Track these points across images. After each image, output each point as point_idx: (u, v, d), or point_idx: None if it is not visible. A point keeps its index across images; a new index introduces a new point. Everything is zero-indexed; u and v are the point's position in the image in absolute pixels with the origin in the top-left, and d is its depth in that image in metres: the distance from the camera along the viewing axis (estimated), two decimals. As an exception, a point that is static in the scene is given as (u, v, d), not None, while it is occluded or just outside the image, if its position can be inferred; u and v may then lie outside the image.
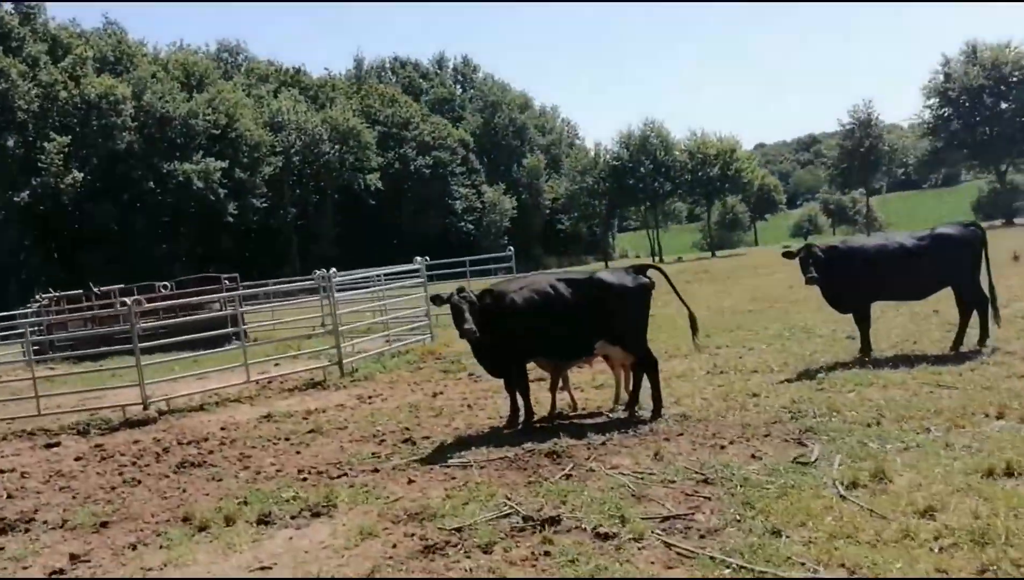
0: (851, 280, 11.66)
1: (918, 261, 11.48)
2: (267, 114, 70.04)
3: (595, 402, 11.18)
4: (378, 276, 20.51)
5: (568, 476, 7.83)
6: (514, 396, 10.48)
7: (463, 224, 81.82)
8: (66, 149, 53.38)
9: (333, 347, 16.37)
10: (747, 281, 30.61)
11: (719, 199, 73.69)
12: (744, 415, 9.42)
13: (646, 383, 10.12)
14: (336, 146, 72.70)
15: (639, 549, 5.98)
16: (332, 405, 13.38)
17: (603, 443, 8.87)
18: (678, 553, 5.86)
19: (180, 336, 17.23)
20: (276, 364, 17.82)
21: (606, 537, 6.22)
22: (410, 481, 8.31)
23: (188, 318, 21.39)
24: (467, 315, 9.64)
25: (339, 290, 17.01)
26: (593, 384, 12.32)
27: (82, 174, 53.37)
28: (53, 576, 6.88)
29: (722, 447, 8.24)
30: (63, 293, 29.82)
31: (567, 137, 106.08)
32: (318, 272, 17.57)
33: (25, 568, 7.14)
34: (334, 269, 16.71)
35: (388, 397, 13.55)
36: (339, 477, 8.83)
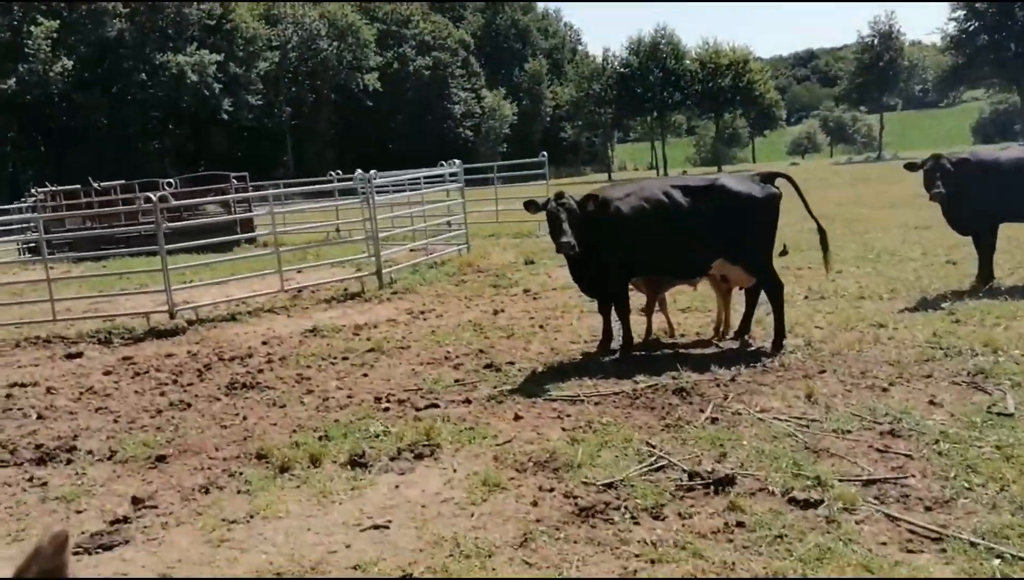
0: (983, 196, 10.39)
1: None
2: (263, 6, 66.80)
3: (687, 328, 10.00)
4: (417, 180, 19.01)
5: (713, 420, 6.68)
6: (608, 318, 9.28)
7: (461, 129, 79.51)
8: (54, 35, 50.54)
9: (371, 256, 15.05)
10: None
11: (730, 112, 71.56)
12: (883, 350, 8.25)
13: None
14: (334, 43, 69.82)
15: (856, 523, 4.85)
16: (383, 320, 12.15)
17: (733, 379, 7.70)
18: (912, 531, 4.73)
19: (198, 239, 15.81)
20: (300, 271, 16.48)
21: (806, 505, 5.08)
22: (517, 417, 7.14)
23: (206, 219, 20.03)
24: (565, 225, 8.36)
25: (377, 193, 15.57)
26: (676, 306, 11.13)
27: (71, 62, 50.66)
28: (116, 525, 5.72)
29: (884, 389, 7.08)
30: (59, 188, 28.16)
31: (570, 42, 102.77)
32: (359, 173, 16.06)
33: (79, 512, 5.98)
34: (374, 171, 15.23)
35: (442, 313, 12.32)
36: (427, 407, 7.66)
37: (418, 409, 7.65)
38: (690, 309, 11.04)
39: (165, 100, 57.80)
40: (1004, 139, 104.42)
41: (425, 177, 18.99)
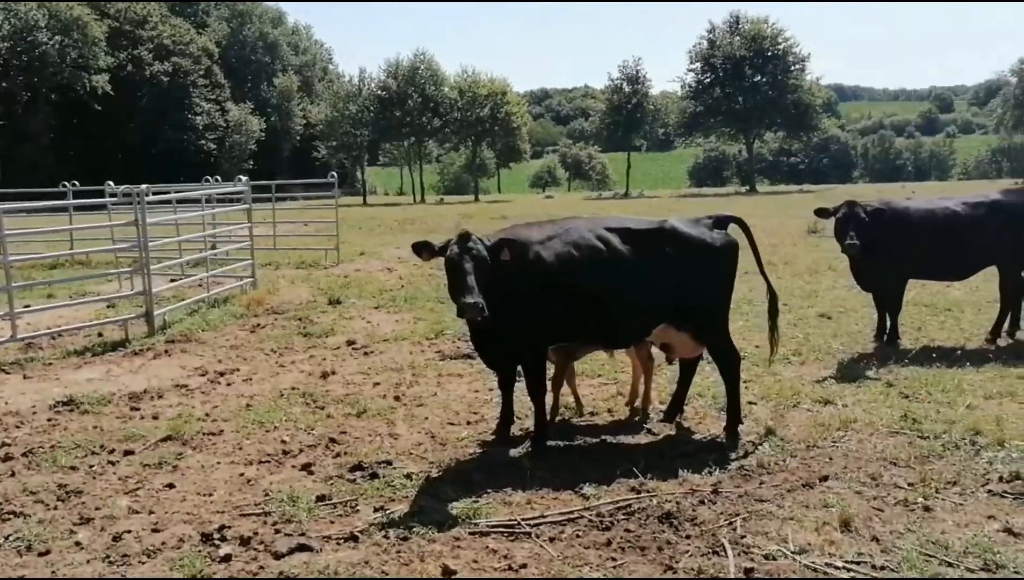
0: (897, 250, 9.29)
1: (972, 231, 9.33)
2: (-35, -14, 57.72)
3: (585, 400, 7.97)
4: (206, 198, 15.55)
5: (747, 572, 4.62)
6: (510, 395, 7.04)
7: (204, 142, 73.36)
8: None
9: (140, 293, 11.71)
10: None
11: (488, 142, 71.37)
12: (864, 441, 6.62)
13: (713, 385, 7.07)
14: (56, 37, 61.69)
15: None
16: (168, 385, 9.04)
17: (716, 491, 5.70)
18: None
19: None
20: (28, 306, 12.65)
21: None
22: (446, 571, 4.69)
23: None
24: (472, 280, 6.01)
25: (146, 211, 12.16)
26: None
27: None
28: None
29: (925, 508, 5.39)
30: None
31: (322, 60, 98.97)
32: (110, 185, 12.57)
33: None
34: (145, 185, 11.90)
35: (250, 376, 9.41)
36: (293, 552, 5.00)
37: (278, 555, 4.97)
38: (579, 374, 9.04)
39: None
40: (716, 183, 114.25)
41: (200, 194, 15.61)
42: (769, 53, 65.77)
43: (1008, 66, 71.22)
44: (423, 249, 6.53)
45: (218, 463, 6.60)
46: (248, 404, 8.22)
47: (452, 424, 7.45)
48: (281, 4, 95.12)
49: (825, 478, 5.87)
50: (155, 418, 7.86)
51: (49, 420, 7.94)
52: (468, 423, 7.46)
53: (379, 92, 67.38)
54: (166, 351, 10.64)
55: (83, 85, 63.46)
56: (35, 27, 60.66)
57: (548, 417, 7.01)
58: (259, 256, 19.79)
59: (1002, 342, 9.73)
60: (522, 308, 6.40)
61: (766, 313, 7.47)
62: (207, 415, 7.89)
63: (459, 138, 71.75)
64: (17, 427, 7.74)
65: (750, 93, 65.89)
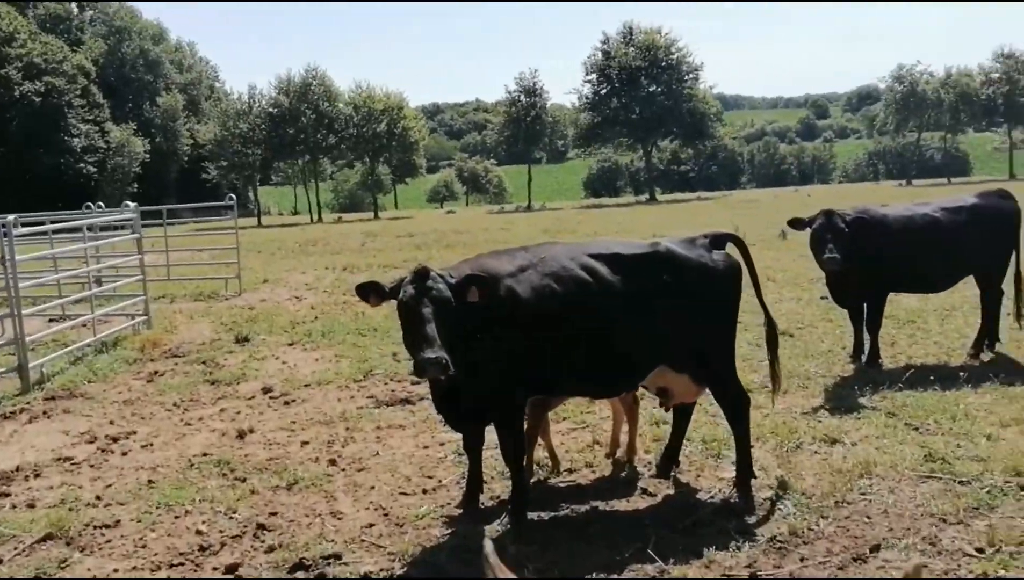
0: (878, 261, 8.50)
1: (954, 239, 8.64)
2: None
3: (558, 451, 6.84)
4: (88, 228, 13.71)
5: None
6: (479, 458, 5.88)
7: (83, 165, 69.14)
8: None
9: (10, 342, 10.00)
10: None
11: (385, 157, 69.54)
12: (897, 493, 5.69)
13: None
14: (-89, 55, 57.13)
15: None
16: (47, 457, 7.47)
17: (753, 574, 4.65)
18: None
19: None
20: None
21: None
22: None
23: None
24: (431, 330, 4.79)
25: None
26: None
27: None
28: None
29: (1012, 584, 4.48)
30: None
31: (207, 78, 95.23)
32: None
33: None
34: (14, 216, 10.18)
35: (150, 440, 7.90)
36: None
37: None
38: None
39: None
40: (610, 193, 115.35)
41: (74, 223, 13.81)
42: (663, 63, 66.37)
43: (888, 71, 73.99)
44: (370, 292, 5.31)
45: (115, 571, 5.19)
46: (150, 480, 6.77)
47: (405, 494, 6.21)
48: (163, 19, 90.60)
49: (876, 548, 4.89)
50: (31, 506, 6.35)
51: None
52: (424, 492, 6.24)
53: (270, 109, 64.85)
54: (44, 412, 8.99)
55: (-55, 107, 58.89)
56: None
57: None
58: (152, 288, 18.02)
59: (985, 357, 9.08)
60: (496, 358, 5.24)
61: (762, 343, 6.53)
62: (98, 499, 6.43)
63: (355, 155, 69.79)
64: None
65: (646, 103, 66.24)
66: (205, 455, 7.32)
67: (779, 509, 5.51)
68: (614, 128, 68.48)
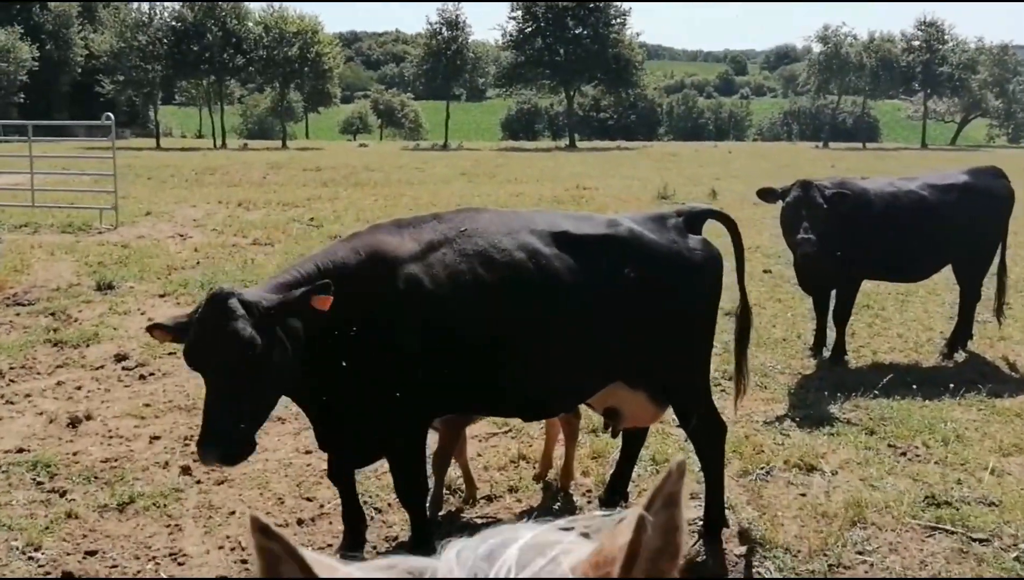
0: (855, 243, 7.32)
1: (942, 222, 7.52)
2: None
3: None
4: None
5: None
6: (353, 492, 4.44)
7: (-40, 70, 63.71)
8: None
9: None
10: (415, 192, 25.32)
11: (296, 83, 66.01)
12: (889, 543, 4.58)
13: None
14: None
15: None
16: None
17: None
18: None
19: None
20: None
21: None
22: None
23: None
24: (214, 403, 3.52)
25: None
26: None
27: None
28: None
29: None
30: None
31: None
32: None
33: None
34: None
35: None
36: None
37: None
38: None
39: None
40: (528, 136, 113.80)
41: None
42: (591, 4, 64.47)
43: (813, 32, 73.85)
44: (155, 329, 3.70)
45: None
46: (-62, 486, 5.15)
47: (276, 522, 4.76)
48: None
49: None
50: None
51: None
52: (300, 523, 4.82)
53: (173, 23, 60.57)
54: None
55: None
56: None
57: (430, 515, 4.52)
58: (14, 214, 15.91)
59: (959, 357, 8.07)
60: (389, 372, 3.83)
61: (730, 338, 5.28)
62: None
63: (264, 79, 66.11)
64: None
65: (572, 45, 64.38)
66: (20, 452, 5.71)
67: (758, 573, 4.29)
68: (537, 69, 66.44)
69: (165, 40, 59.53)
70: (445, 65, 66.82)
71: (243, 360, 3.37)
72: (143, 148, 49.93)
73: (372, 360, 3.79)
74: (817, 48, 74.46)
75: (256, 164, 35.18)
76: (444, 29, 67.53)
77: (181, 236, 14.79)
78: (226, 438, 3.40)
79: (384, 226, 4.27)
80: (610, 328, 4.16)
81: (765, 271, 11.83)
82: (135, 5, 66.00)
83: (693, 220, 4.54)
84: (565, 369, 4.18)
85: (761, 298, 10.26)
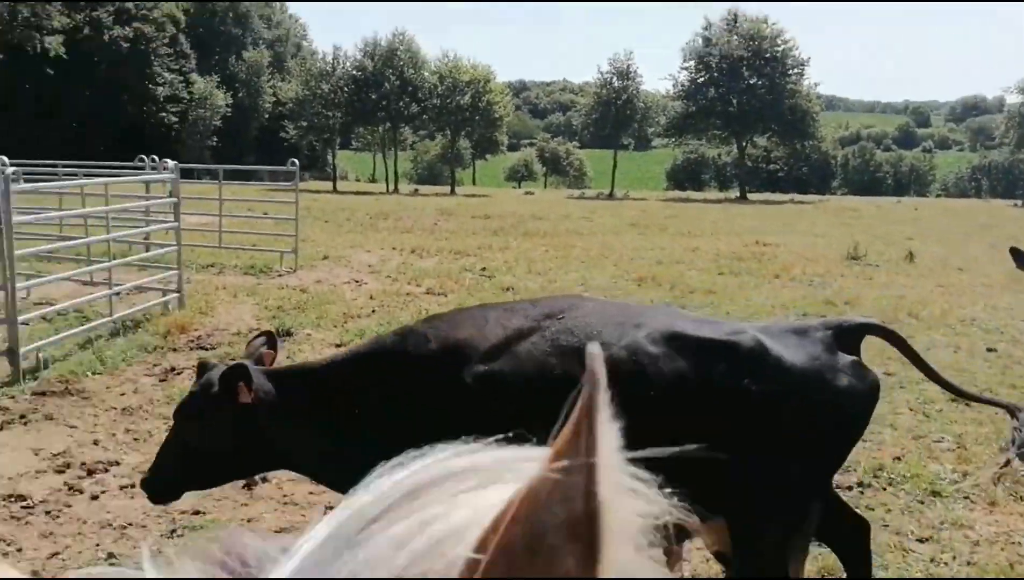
0: None
1: None
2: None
3: None
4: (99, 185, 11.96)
5: None
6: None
7: (165, 115, 69.06)
8: None
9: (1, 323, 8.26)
10: (592, 241, 24.94)
11: (467, 131, 67.67)
12: None
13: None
14: (6, -8, 57.26)
15: None
16: (43, 488, 5.65)
17: None
18: None
19: None
20: None
21: None
22: None
23: None
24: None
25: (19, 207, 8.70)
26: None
27: None
28: None
29: None
30: None
31: (295, 36, 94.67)
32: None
33: None
34: (13, 168, 8.43)
35: (131, 474, 6.02)
36: None
37: None
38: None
39: None
40: (694, 186, 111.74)
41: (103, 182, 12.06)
42: (768, 55, 62.78)
43: (1013, 83, 68.71)
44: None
45: None
46: (111, 555, 4.87)
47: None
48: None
49: None
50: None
51: None
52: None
53: (354, 72, 63.50)
54: (22, 416, 7.18)
55: (34, 46, 58.92)
56: (-16, -20, 56.26)
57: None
58: (202, 254, 16.43)
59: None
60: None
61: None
62: (37, 574, 4.55)
63: (436, 126, 68.08)
64: None
65: (746, 95, 62.84)
66: (196, 514, 5.41)
67: None
68: (708, 119, 65.15)
69: (346, 88, 62.41)
70: (615, 114, 66.73)
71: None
72: (320, 191, 52.09)
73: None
74: (1016, 99, 69.42)
75: (426, 209, 35.79)
76: (615, 79, 67.57)
77: (357, 282, 14.80)
78: (149, 483, 3.72)
79: (469, 310, 3.90)
80: (721, 459, 3.34)
81: (989, 350, 10.43)
82: (320, 55, 69.90)
83: (846, 335, 3.61)
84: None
85: (991, 384, 8.95)
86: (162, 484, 3.68)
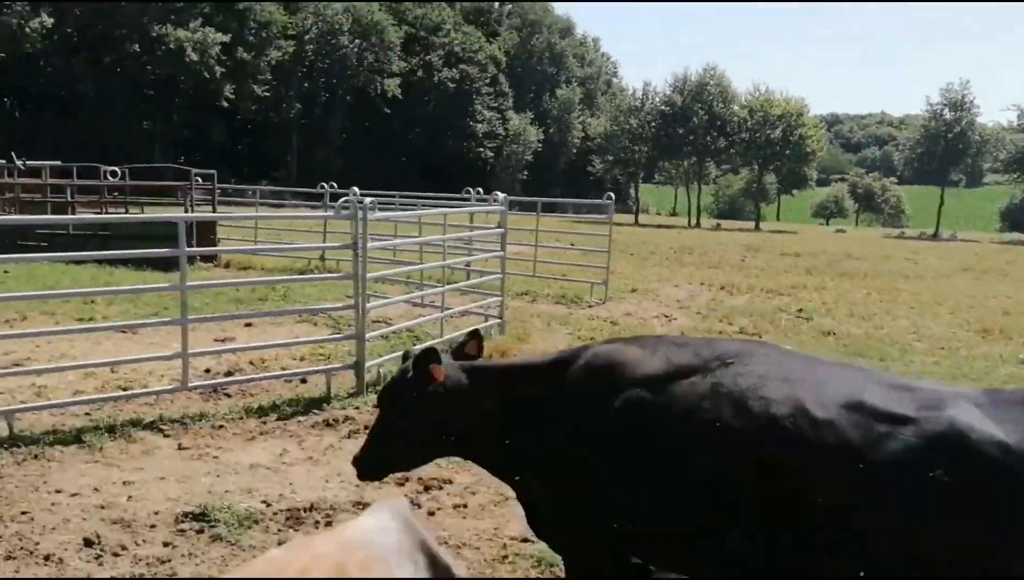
0: None
1: None
2: (283, -9, 61.19)
3: None
4: (440, 214, 12.91)
5: None
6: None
7: (482, 150, 73.78)
8: (34, -13, 44.38)
9: (350, 335, 9.06)
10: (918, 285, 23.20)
11: (775, 165, 65.60)
12: None
13: None
14: (356, 40, 64.25)
15: None
16: (348, 495, 6.12)
17: None
18: None
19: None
20: (249, 325, 10.51)
21: None
22: None
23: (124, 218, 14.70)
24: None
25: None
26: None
27: (52, 20, 44.49)
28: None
29: None
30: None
31: (606, 73, 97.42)
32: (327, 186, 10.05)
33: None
34: (371, 198, 9.26)
35: (468, 491, 6.30)
36: None
37: None
38: None
39: (160, 78, 51.90)
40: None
41: (444, 208, 12.94)
42: None
43: None
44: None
45: None
46: None
47: None
48: (572, 13, 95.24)
49: None
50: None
51: (165, 545, 5.27)
52: None
53: (662, 107, 63.98)
54: (366, 427, 7.80)
55: (375, 88, 65.53)
56: (339, 31, 63.46)
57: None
58: (517, 283, 17.12)
59: None
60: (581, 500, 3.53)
61: None
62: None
63: (743, 160, 66.67)
64: (116, 554, 5.11)
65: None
66: (525, 541, 5.49)
67: None
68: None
69: (653, 123, 62.98)
70: (944, 148, 61.43)
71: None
72: (623, 224, 52.81)
73: (568, 477, 3.48)
74: None
75: (730, 245, 34.99)
76: (946, 110, 62.25)
77: (666, 317, 14.66)
78: (358, 461, 3.90)
79: (646, 338, 3.81)
80: (875, 547, 2.83)
81: None
82: (630, 91, 71.24)
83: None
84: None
85: None
86: (368, 463, 3.86)
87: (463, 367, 3.78)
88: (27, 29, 42.72)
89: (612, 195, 17.00)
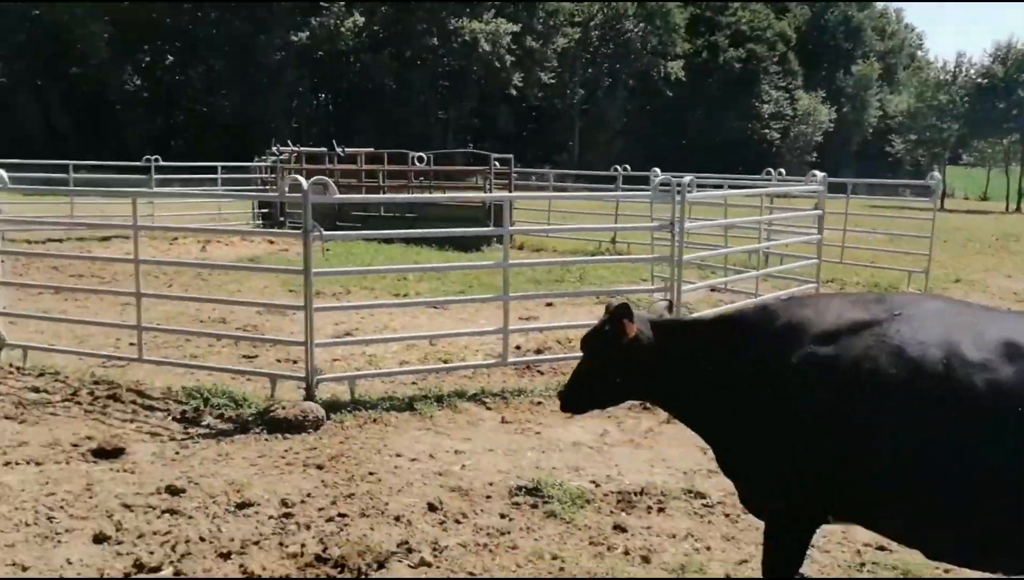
0: None
1: None
2: (571, -22, 62.11)
3: None
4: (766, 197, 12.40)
5: None
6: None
7: (767, 131, 70.68)
8: (349, -11, 48.49)
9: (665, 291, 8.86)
10: None
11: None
12: None
13: None
14: (640, 24, 63.91)
15: None
16: (677, 481, 5.90)
17: None
18: None
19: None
20: (550, 304, 10.65)
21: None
22: None
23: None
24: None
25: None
26: None
27: (362, 19, 48.26)
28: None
29: None
30: (303, 148, 24.68)
31: (909, 46, 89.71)
32: (656, 173, 9.88)
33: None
34: (690, 176, 8.93)
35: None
36: None
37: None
38: None
39: (455, 69, 54.72)
40: None
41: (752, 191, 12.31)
42: None
43: None
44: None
45: None
46: None
47: None
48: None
49: None
50: (645, 560, 4.78)
51: (502, 516, 5.34)
52: None
53: (979, 80, 57.62)
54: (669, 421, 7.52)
55: (658, 71, 64.88)
56: (624, 15, 63.46)
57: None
58: (822, 270, 16.08)
59: None
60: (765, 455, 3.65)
61: None
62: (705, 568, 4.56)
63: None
64: (457, 521, 5.25)
65: None
66: (880, 550, 4.95)
67: None
68: None
69: (966, 98, 57.01)
70: None
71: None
72: (922, 208, 48.44)
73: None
74: None
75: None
76: None
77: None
78: (561, 394, 4.31)
79: (820, 295, 4.18)
80: None
81: None
82: (939, 64, 65.07)
83: None
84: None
85: None
86: (568, 398, 4.24)
87: (653, 322, 4.03)
88: (343, 28, 46.78)
89: (936, 175, 15.38)
